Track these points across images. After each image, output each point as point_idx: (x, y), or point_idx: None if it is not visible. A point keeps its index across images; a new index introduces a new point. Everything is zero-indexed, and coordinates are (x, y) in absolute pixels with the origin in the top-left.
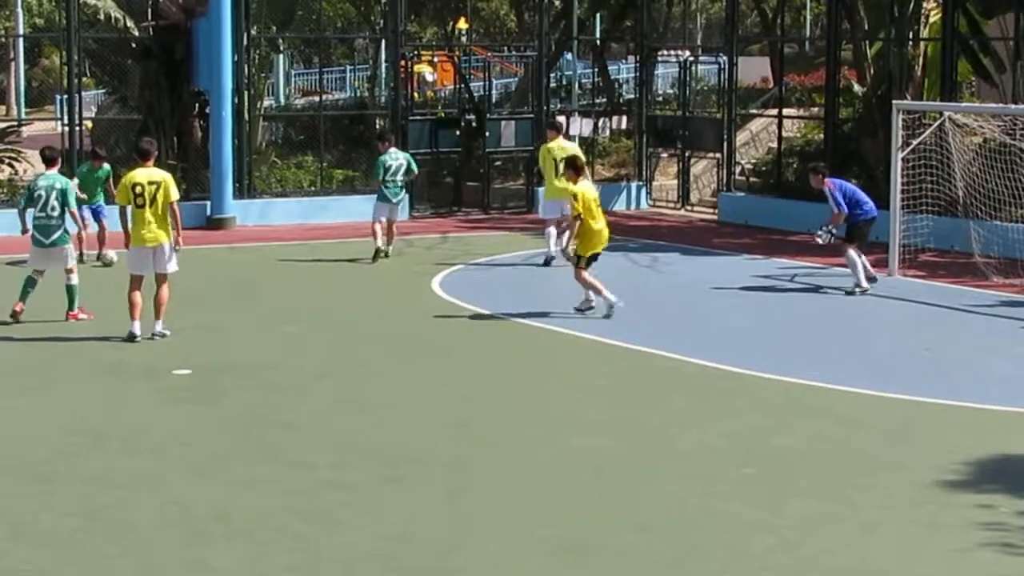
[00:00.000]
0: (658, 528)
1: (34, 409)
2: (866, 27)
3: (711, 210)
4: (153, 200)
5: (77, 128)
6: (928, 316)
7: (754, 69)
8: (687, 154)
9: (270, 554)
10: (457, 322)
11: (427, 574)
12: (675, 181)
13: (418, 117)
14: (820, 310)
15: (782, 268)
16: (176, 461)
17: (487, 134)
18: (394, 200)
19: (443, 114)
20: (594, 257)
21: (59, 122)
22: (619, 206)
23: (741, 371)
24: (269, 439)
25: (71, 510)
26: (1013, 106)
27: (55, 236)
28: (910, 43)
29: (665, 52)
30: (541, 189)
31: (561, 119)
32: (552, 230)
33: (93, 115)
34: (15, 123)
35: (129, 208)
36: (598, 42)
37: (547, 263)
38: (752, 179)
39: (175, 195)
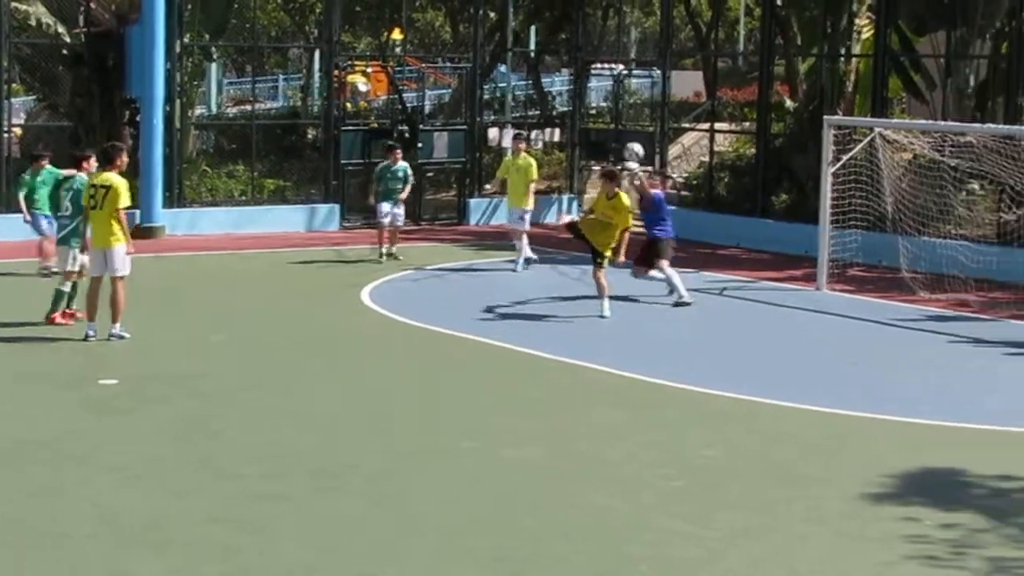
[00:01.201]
0: (587, 539)
1: None
2: (799, 43)
3: (642, 223)
4: (102, 204)
5: (6, 135)
6: (855, 330)
7: (687, 83)
8: (619, 167)
9: (199, 564)
10: (387, 333)
11: None
12: None
13: (351, 127)
14: (749, 323)
15: (711, 281)
16: (104, 471)
17: (420, 145)
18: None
19: (376, 125)
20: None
21: None
22: (551, 218)
23: (669, 384)
24: (198, 449)
25: None
26: (943, 123)
27: (61, 235)
28: (842, 59)
29: (599, 65)
30: (475, 201)
31: (494, 131)
32: (526, 239)
33: (22, 122)
34: None
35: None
36: (532, 54)
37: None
38: (683, 193)
39: (123, 202)
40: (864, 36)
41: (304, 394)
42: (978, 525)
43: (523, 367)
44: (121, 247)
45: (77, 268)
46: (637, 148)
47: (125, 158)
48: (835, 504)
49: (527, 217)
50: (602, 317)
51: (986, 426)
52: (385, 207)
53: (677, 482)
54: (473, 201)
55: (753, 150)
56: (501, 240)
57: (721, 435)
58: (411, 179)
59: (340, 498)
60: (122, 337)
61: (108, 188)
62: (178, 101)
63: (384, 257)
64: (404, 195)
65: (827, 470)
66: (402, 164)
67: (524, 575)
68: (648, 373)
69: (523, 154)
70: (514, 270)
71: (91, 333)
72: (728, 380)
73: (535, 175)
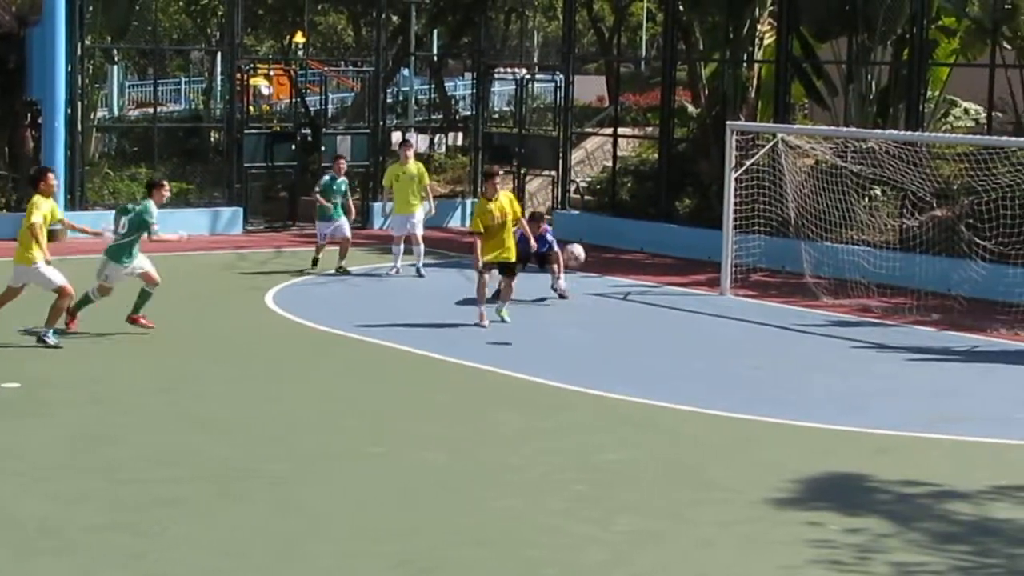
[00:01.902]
0: (493, 543)
1: None
2: (701, 48)
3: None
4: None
5: None
6: (759, 335)
7: (590, 88)
8: (523, 172)
9: (101, 570)
10: (290, 337)
11: None
12: None
13: (254, 131)
14: (653, 328)
15: (615, 286)
16: (3, 476)
17: (323, 148)
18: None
19: (279, 128)
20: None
21: None
22: (454, 222)
23: (573, 388)
24: (98, 453)
25: None
26: (845, 128)
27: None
28: (744, 65)
29: (502, 69)
30: (378, 205)
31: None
32: (401, 247)
33: None
34: None
35: None
36: (435, 58)
37: (394, 272)
38: (587, 197)
39: (31, 219)
40: (766, 42)
41: (207, 398)
42: (882, 530)
43: (427, 371)
44: (36, 265)
45: (111, 284)
46: (579, 253)
47: (51, 180)
48: (740, 508)
49: (420, 219)
50: (504, 321)
51: (889, 431)
52: (325, 227)
53: (581, 486)
54: (376, 205)
55: (656, 155)
56: (406, 245)
57: (625, 439)
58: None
59: (243, 503)
60: (46, 343)
61: (27, 206)
62: (80, 103)
63: (324, 265)
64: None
65: (731, 474)
66: (345, 178)
67: None
68: (552, 377)
69: (411, 161)
70: (420, 275)
71: None
72: (632, 384)
73: (427, 179)
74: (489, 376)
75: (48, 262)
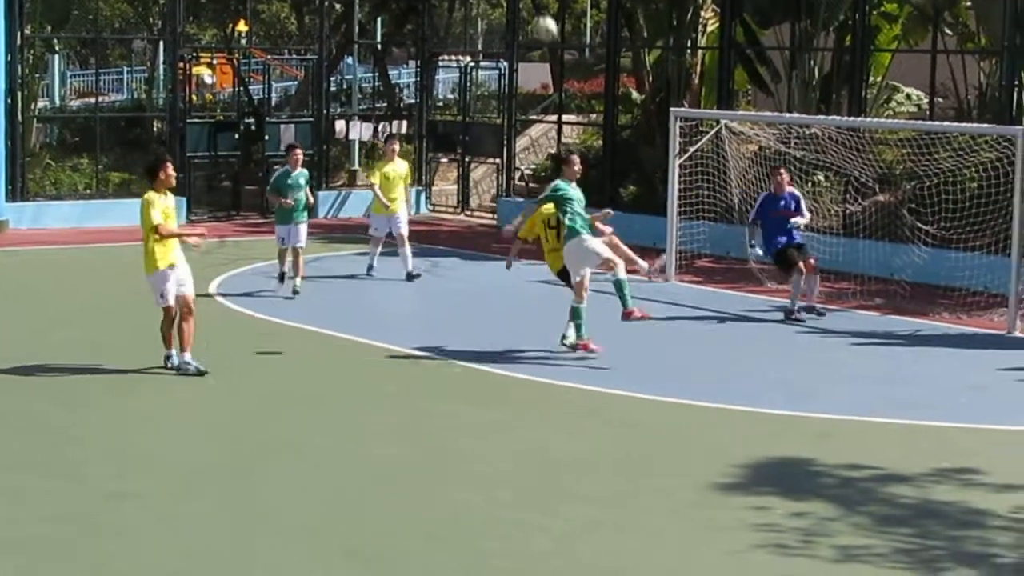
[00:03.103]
0: (444, 535)
1: None
2: (645, 35)
3: (491, 215)
4: None
5: None
6: (704, 321)
7: (534, 75)
8: (467, 159)
9: (47, 564)
10: (236, 328)
11: None
12: (455, 186)
13: (197, 120)
14: (598, 316)
15: None
16: None
17: (266, 137)
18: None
19: (222, 117)
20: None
21: None
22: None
23: (521, 377)
24: (43, 449)
25: None
26: (788, 115)
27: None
28: (688, 51)
29: (446, 57)
30: (324, 194)
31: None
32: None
33: None
34: None
35: None
36: (379, 46)
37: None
38: (532, 185)
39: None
40: (709, 29)
41: (153, 392)
42: (827, 514)
43: (377, 361)
44: (158, 272)
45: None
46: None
47: (170, 171)
48: (685, 494)
49: (405, 218)
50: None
51: (834, 416)
52: (283, 230)
53: (529, 476)
54: (321, 194)
55: (600, 142)
56: (349, 233)
57: (571, 427)
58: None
59: (191, 497)
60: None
61: None
62: (20, 94)
63: (290, 282)
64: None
65: (677, 461)
66: (304, 170)
67: (378, 571)
68: (500, 367)
69: (397, 156)
70: (416, 275)
71: None
72: (578, 373)
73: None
74: (440, 367)
75: (172, 266)
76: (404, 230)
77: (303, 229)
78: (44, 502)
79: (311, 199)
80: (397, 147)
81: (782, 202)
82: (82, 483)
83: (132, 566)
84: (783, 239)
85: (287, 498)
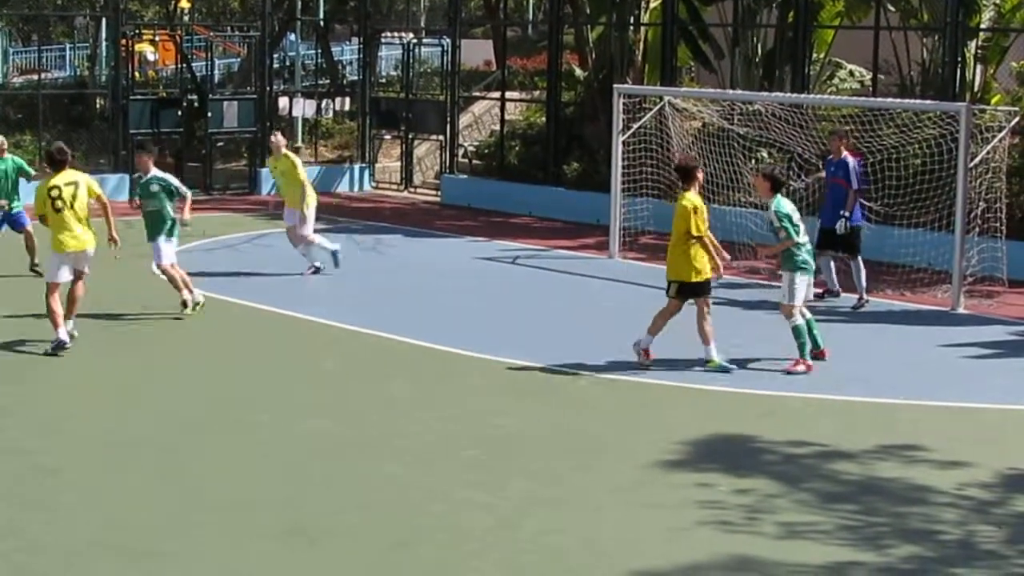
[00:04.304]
0: (382, 510)
1: None
2: (588, 12)
3: (434, 192)
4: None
5: None
6: (648, 298)
7: (477, 52)
8: (410, 136)
9: None
10: (178, 304)
11: (144, 559)
12: (398, 163)
13: (139, 97)
14: (542, 292)
15: (504, 250)
16: None
17: (209, 114)
18: None
19: (165, 94)
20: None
21: None
22: (342, 188)
23: (464, 352)
24: None
25: None
26: (731, 91)
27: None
28: (631, 28)
29: (389, 34)
30: (265, 171)
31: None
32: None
33: None
34: None
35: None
36: (322, 23)
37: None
38: (475, 162)
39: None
40: (652, 5)
41: (89, 367)
42: (771, 490)
43: (318, 338)
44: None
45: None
46: None
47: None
48: (630, 472)
49: (310, 218)
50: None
51: (776, 393)
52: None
53: (472, 452)
54: (264, 171)
55: (544, 119)
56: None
57: (515, 404)
58: (181, 192)
59: (128, 473)
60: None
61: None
62: None
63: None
64: (186, 215)
65: (621, 438)
66: (156, 174)
67: (318, 547)
68: (442, 342)
69: (284, 152)
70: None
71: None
72: (522, 348)
73: (303, 178)
74: (381, 342)
75: None
76: (307, 229)
77: (158, 247)
78: None
79: (180, 215)
80: (283, 140)
81: (832, 168)
82: (17, 457)
83: (65, 542)
84: (832, 215)
85: (226, 475)
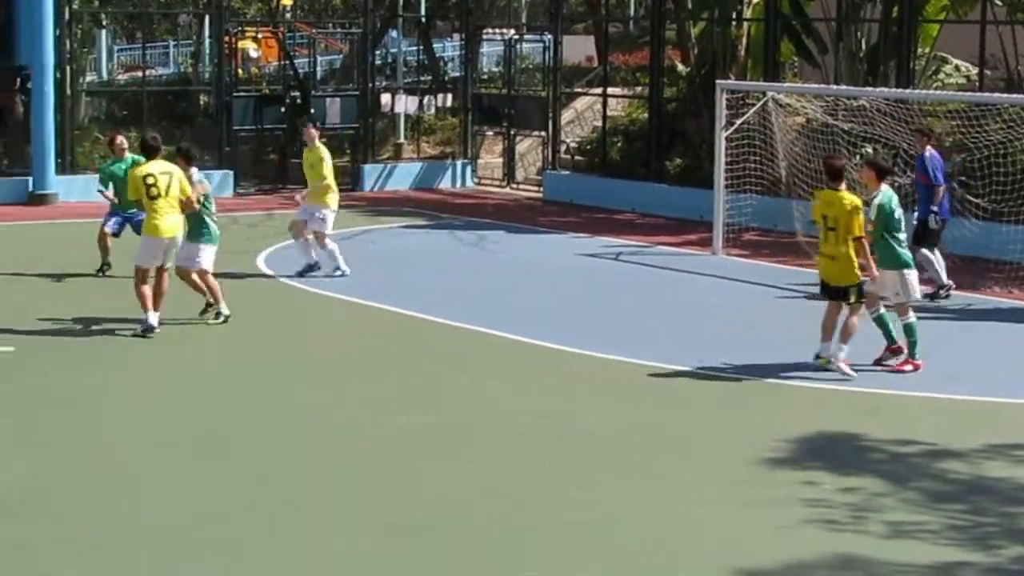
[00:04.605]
0: (481, 506)
1: None
2: (690, 7)
3: (536, 188)
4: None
5: None
6: (752, 295)
7: (579, 48)
8: (512, 132)
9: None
10: (284, 300)
11: (236, 553)
12: (500, 159)
13: (243, 94)
14: (646, 288)
15: (607, 246)
16: None
17: (312, 111)
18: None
19: (268, 91)
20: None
21: None
22: (444, 184)
23: (563, 348)
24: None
25: None
26: (835, 86)
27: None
28: (733, 23)
29: (490, 30)
30: (369, 167)
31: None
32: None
33: None
34: None
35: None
36: (423, 19)
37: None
38: (577, 158)
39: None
40: (755, 0)
41: (202, 354)
42: (877, 489)
43: (418, 333)
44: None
45: None
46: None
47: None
48: (733, 469)
49: (328, 218)
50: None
51: (882, 391)
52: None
53: (570, 449)
54: (367, 167)
55: (646, 115)
56: (397, 206)
57: (617, 401)
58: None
59: (224, 462)
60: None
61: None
62: (68, 68)
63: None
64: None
65: (725, 436)
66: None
67: (420, 543)
68: (542, 338)
69: (316, 144)
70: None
71: (155, 324)
72: (622, 345)
73: (327, 173)
74: (483, 338)
75: None
76: (326, 227)
77: (198, 249)
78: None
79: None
80: (315, 131)
81: (917, 165)
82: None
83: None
84: (924, 208)
85: (324, 469)
